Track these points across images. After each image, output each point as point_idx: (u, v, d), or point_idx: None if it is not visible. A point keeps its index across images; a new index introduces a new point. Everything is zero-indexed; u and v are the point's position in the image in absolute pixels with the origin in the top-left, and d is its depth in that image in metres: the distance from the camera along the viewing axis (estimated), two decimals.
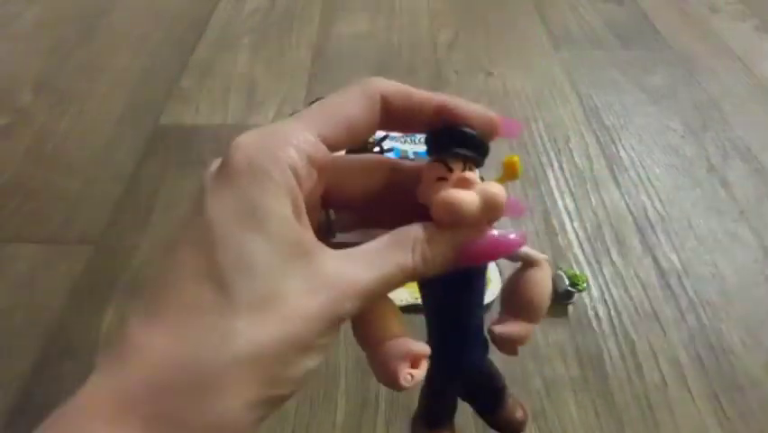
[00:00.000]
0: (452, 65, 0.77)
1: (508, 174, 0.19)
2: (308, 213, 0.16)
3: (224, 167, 0.15)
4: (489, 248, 0.18)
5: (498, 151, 0.20)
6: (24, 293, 0.48)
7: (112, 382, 0.13)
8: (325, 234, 0.20)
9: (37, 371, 0.42)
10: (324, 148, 0.16)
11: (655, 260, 0.51)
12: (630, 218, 0.55)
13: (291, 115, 0.71)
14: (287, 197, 0.15)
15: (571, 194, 0.57)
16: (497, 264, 0.48)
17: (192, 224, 0.15)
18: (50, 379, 0.42)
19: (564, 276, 0.46)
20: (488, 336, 0.21)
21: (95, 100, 0.70)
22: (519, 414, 0.27)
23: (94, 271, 0.49)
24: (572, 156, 0.62)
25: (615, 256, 0.51)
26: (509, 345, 0.21)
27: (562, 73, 0.75)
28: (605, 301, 0.48)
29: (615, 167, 0.61)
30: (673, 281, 0.49)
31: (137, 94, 0.71)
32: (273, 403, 0.15)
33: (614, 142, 0.64)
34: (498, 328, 0.21)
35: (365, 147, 0.50)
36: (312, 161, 0.16)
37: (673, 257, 0.52)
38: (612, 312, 0.47)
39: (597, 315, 0.47)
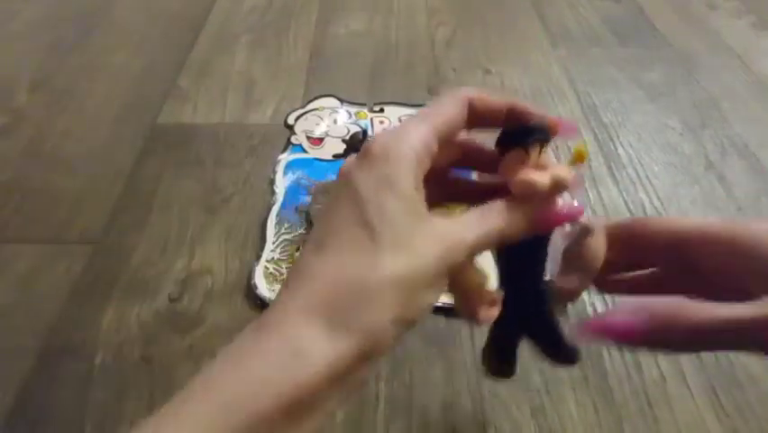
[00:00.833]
0: (450, 62, 0.77)
1: (577, 159, 0.24)
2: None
3: (364, 153, 0.21)
4: (557, 217, 0.24)
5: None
6: (23, 293, 0.48)
7: (298, 297, 0.19)
8: None
9: (37, 371, 0.42)
10: (434, 139, 0.22)
11: None
12: (628, 215, 0.55)
13: (290, 114, 0.70)
14: (410, 173, 0.20)
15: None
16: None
17: (344, 190, 0.21)
18: (50, 379, 0.42)
19: None
20: (547, 289, 0.27)
21: (93, 99, 0.70)
22: (574, 344, 0.29)
23: (93, 270, 0.49)
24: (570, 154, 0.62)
25: None
26: (567, 296, 0.27)
27: (559, 71, 0.76)
28: (603, 297, 0.48)
29: (613, 164, 0.61)
30: None
31: (135, 93, 0.71)
32: (407, 325, 0.20)
33: (612, 140, 0.64)
34: (560, 282, 0.26)
35: (364, 140, 0.50)
36: (427, 148, 0.21)
37: None
38: (611, 308, 0.47)
39: (596, 312, 0.47)
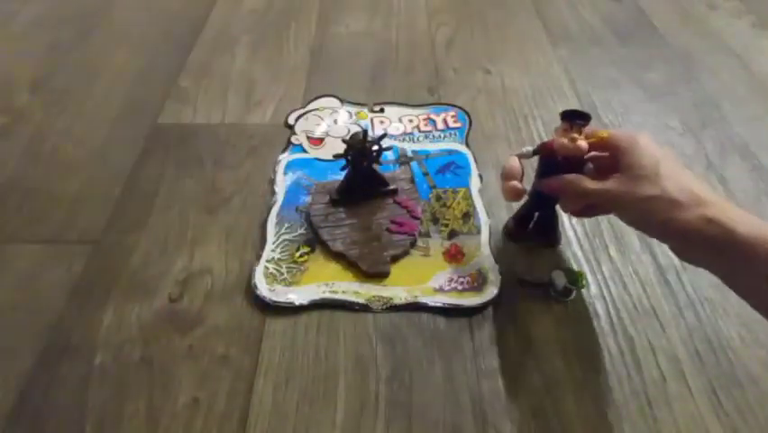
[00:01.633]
0: (451, 63, 0.77)
1: (599, 140, 0.42)
2: None
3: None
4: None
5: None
6: (23, 293, 0.48)
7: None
8: None
9: (37, 371, 0.42)
10: None
11: (654, 256, 0.51)
12: None
13: (290, 114, 0.70)
14: None
15: None
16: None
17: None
18: (50, 379, 0.42)
19: (563, 274, 0.46)
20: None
21: (93, 100, 0.70)
22: (557, 237, 0.52)
23: (93, 270, 0.49)
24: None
25: (613, 253, 0.52)
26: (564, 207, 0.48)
27: (560, 70, 0.76)
28: (603, 298, 0.48)
29: None
30: (672, 278, 0.50)
31: (135, 93, 0.71)
32: None
33: None
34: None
35: (363, 145, 0.50)
36: None
37: (671, 254, 0.51)
38: (611, 309, 0.47)
39: (596, 312, 0.47)
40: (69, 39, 0.80)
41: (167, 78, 0.72)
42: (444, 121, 0.66)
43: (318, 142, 0.62)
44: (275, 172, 0.58)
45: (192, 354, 0.43)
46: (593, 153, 0.43)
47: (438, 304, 0.46)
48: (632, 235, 0.53)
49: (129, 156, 0.61)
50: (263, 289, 0.47)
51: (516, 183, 0.45)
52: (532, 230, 0.52)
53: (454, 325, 0.46)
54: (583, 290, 0.48)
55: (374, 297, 0.47)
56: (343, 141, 0.50)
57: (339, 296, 0.47)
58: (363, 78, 0.73)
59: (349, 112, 0.67)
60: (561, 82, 0.73)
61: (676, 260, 0.51)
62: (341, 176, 0.53)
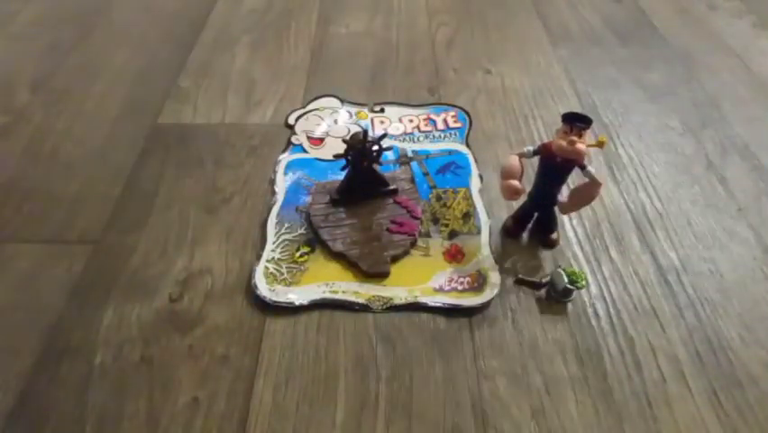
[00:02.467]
0: (451, 63, 0.77)
1: (598, 144, 0.42)
2: None
3: None
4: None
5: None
6: (24, 293, 0.48)
7: None
8: None
9: (37, 371, 0.42)
10: None
11: (654, 257, 0.51)
12: (629, 216, 0.55)
13: (290, 114, 0.70)
14: None
15: None
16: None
17: None
18: (50, 379, 0.42)
19: (563, 274, 0.46)
20: (556, 195, 0.48)
21: (93, 99, 0.70)
22: (555, 237, 0.52)
23: (93, 270, 0.49)
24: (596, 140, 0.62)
25: (614, 254, 0.52)
26: (562, 208, 0.48)
27: (560, 71, 0.76)
28: (604, 299, 0.48)
29: (613, 165, 0.61)
30: (672, 278, 0.50)
31: (135, 93, 0.71)
32: None
33: (612, 140, 0.64)
34: (561, 199, 0.48)
35: (364, 145, 0.50)
36: None
37: (672, 254, 0.52)
38: (611, 309, 0.47)
39: (596, 312, 0.47)
40: (70, 39, 0.80)
41: (167, 78, 0.72)
42: (445, 121, 0.66)
43: (318, 142, 0.62)
44: (275, 172, 0.58)
45: (192, 354, 0.43)
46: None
47: (438, 304, 0.46)
48: (632, 236, 0.53)
49: (129, 156, 0.61)
50: (263, 289, 0.47)
51: (515, 182, 0.45)
52: (531, 229, 0.52)
53: (454, 325, 0.46)
54: (583, 291, 0.48)
55: (374, 297, 0.47)
56: (344, 141, 0.50)
57: (339, 296, 0.47)
58: (363, 77, 0.73)
59: (349, 112, 0.67)
60: (561, 82, 0.73)
61: (676, 260, 0.51)
62: (341, 176, 0.53)
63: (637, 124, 0.67)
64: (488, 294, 0.47)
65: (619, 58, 0.78)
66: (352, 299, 0.47)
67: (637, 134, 0.65)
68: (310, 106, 0.68)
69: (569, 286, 0.46)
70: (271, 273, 0.48)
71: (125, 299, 0.47)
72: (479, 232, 0.52)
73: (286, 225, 0.53)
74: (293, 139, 0.63)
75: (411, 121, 0.65)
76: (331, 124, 0.65)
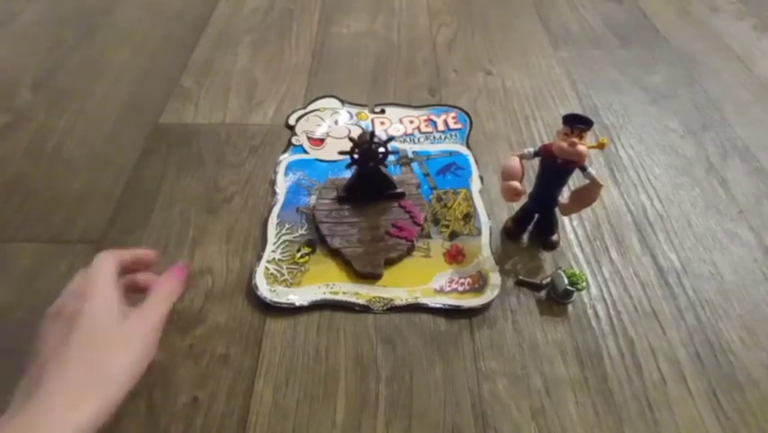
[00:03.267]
0: (452, 64, 0.77)
1: (598, 145, 0.42)
2: None
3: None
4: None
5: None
6: (25, 292, 0.48)
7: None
8: None
9: None
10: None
11: (654, 259, 0.51)
12: (629, 217, 0.55)
13: (291, 114, 0.70)
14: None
15: None
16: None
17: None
18: None
19: (564, 275, 0.46)
20: (557, 197, 0.48)
21: (94, 99, 0.70)
22: (555, 239, 0.52)
23: None
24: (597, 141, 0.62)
25: (614, 255, 0.52)
26: (563, 210, 0.48)
27: (561, 72, 0.76)
28: (604, 300, 0.48)
29: (614, 166, 0.61)
30: (672, 280, 0.50)
31: (137, 93, 0.71)
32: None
33: (613, 142, 0.64)
34: (562, 201, 0.47)
35: (369, 147, 0.50)
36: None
37: (672, 256, 0.52)
38: (611, 311, 0.47)
39: (596, 314, 0.47)
40: (72, 38, 0.81)
41: (169, 78, 0.73)
42: (445, 122, 0.66)
43: (319, 142, 0.62)
44: (276, 173, 0.58)
45: (192, 354, 0.43)
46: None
47: (438, 305, 0.46)
48: (633, 238, 0.53)
49: (130, 155, 0.61)
50: (264, 289, 0.47)
51: (515, 183, 0.45)
52: (531, 231, 0.52)
53: (454, 325, 0.46)
54: (584, 292, 0.48)
55: (375, 298, 0.47)
56: (350, 138, 0.50)
57: (340, 297, 0.47)
58: (364, 78, 0.73)
59: (350, 113, 0.67)
60: (562, 83, 0.73)
61: (677, 262, 0.51)
62: (349, 174, 0.54)
63: (638, 125, 0.67)
64: (488, 295, 0.47)
65: (620, 59, 0.78)
66: (353, 300, 0.47)
67: (638, 136, 0.65)
68: (311, 107, 0.68)
69: (569, 287, 0.46)
70: (272, 274, 0.48)
71: (125, 299, 0.47)
72: (479, 233, 0.52)
73: (287, 226, 0.53)
74: (293, 140, 0.63)
75: (411, 122, 0.65)
76: (331, 124, 0.65)
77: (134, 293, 0.36)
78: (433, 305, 0.46)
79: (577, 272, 0.47)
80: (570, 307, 0.47)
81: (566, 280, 0.46)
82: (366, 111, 0.67)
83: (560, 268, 0.48)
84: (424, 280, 0.48)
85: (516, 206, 0.51)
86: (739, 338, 0.45)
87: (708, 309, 0.47)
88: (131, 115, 0.67)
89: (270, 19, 0.86)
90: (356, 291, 0.47)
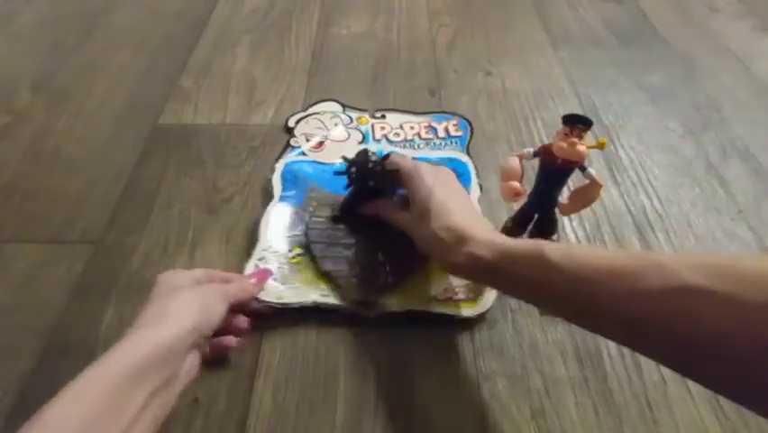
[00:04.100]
0: (452, 64, 0.77)
1: (598, 146, 0.42)
2: None
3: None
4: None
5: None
6: (24, 293, 0.48)
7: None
8: None
9: (37, 371, 0.42)
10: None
11: None
12: (629, 217, 0.55)
13: (290, 117, 0.70)
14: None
15: None
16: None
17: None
18: (50, 379, 0.42)
19: None
20: (556, 198, 0.47)
21: (94, 99, 0.70)
22: (555, 239, 0.51)
23: (94, 270, 0.49)
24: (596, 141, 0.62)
25: None
26: (562, 210, 0.47)
27: (561, 72, 0.76)
28: None
29: (614, 166, 0.61)
30: None
31: (136, 93, 0.71)
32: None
33: (613, 142, 0.65)
34: (561, 201, 0.47)
35: (366, 166, 0.48)
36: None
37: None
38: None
39: None
40: (71, 39, 0.81)
41: (168, 78, 0.73)
42: (446, 129, 0.64)
43: (318, 145, 0.62)
44: (272, 172, 0.58)
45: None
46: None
47: (435, 312, 0.45)
48: (633, 238, 0.53)
49: (130, 156, 0.61)
50: None
51: (515, 183, 0.45)
52: (531, 231, 0.52)
53: (455, 326, 0.46)
54: None
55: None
56: (344, 158, 0.49)
57: (330, 301, 0.46)
58: (364, 79, 0.73)
59: (350, 117, 0.66)
60: (561, 84, 0.73)
61: None
62: (344, 190, 0.51)
63: (638, 125, 0.67)
64: (484, 304, 0.46)
65: (620, 60, 0.79)
66: (345, 304, 0.45)
67: (638, 136, 0.66)
68: (311, 110, 0.67)
69: None
70: None
71: (126, 300, 0.47)
72: None
73: (281, 225, 0.52)
74: (292, 141, 0.62)
75: (412, 128, 0.65)
76: (331, 127, 0.65)
77: None
78: (428, 311, 0.45)
79: None
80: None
81: None
82: (366, 115, 0.67)
83: None
84: (421, 287, 0.47)
85: (516, 206, 0.51)
86: None
87: None
88: (130, 116, 0.67)
89: (270, 19, 0.86)
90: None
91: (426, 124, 0.65)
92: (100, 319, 0.45)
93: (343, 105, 0.68)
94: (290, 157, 0.60)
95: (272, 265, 0.48)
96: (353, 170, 0.48)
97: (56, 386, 0.30)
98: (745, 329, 0.24)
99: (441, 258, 0.41)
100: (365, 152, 0.49)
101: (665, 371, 0.43)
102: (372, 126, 0.65)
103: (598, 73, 0.76)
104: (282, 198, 0.55)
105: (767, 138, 0.65)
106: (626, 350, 0.44)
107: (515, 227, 0.52)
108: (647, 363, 0.43)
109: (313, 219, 0.52)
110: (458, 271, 0.41)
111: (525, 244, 0.36)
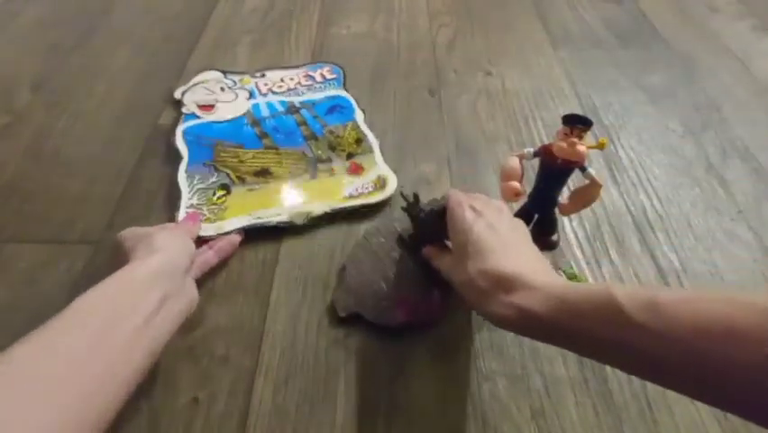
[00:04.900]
0: (452, 64, 0.77)
1: (598, 146, 0.41)
2: None
3: None
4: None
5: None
6: (24, 293, 0.48)
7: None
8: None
9: None
10: None
11: (654, 259, 0.51)
12: (629, 218, 0.55)
13: (175, 90, 0.70)
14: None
15: None
16: None
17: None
18: None
19: (564, 276, 0.46)
20: (557, 198, 0.48)
21: (94, 100, 0.70)
22: (555, 239, 0.52)
23: (94, 271, 0.49)
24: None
25: (614, 256, 0.52)
26: (562, 210, 0.47)
27: (561, 73, 0.76)
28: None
29: (614, 166, 0.61)
30: (672, 280, 0.50)
31: (136, 93, 0.71)
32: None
33: (613, 142, 0.65)
34: (561, 201, 0.47)
35: (417, 214, 0.45)
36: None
37: (672, 256, 0.52)
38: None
39: None
40: (71, 39, 0.81)
41: (168, 79, 0.72)
42: (322, 75, 0.73)
43: (209, 108, 0.67)
44: (173, 138, 0.62)
45: (192, 355, 0.43)
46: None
47: (351, 205, 0.54)
48: (633, 238, 0.53)
49: (130, 156, 0.61)
50: None
51: (515, 183, 0.45)
52: (531, 231, 0.52)
53: (455, 327, 0.46)
54: None
55: (296, 214, 0.53)
56: (403, 209, 0.47)
57: (264, 220, 0.52)
58: (364, 79, 0.73)
59: (233, 80, 0.72)
60: (561, 84, 0.73)
61: (677, 263, 0.51)
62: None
63: (638, 125, 0.67)
64: (389, 190, 0.56)
65: (620, 60, 0.79)
66: (277, 219, 0.52)
67: (638, 136, 0.66)
68: (193, 81, 0.71)
69: None
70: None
71: None
72: (371, 150, 0.61)
73: (197, 177, 0.57)
74: (183, 110, 0.66)
75: (292, 79, 0.72)
76: (217, 92, 0.69)
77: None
78: (347, 207, 0.53)
79: (577, 273, 0.47)
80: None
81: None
82: (248, 76, 0.72)
83: (559, 268, 0.48)
84: (335, 193, 0.56)
85: (516, 206, 0.51)
86: None
87: None
88: (130, 117, 0.67)
89: (270, 20, 0.86)
90: (277, 213, 0.53)
91: (304, 74, 0.73)
92: None
93: (224, 72, 0.73)
94: (188, 123, 0.64)
95: (204, 210, 0.54)
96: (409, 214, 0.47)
97: None
98: None
99: (477, 308, 0.35)
100: (416, 198, 0.45)
101: None
102: (256, 84, 0.71)
103: (598, 73, 0.76)
104: (191, 156, 0.59)
105: (767, 138, 0.65)
106: None
107: None
108: None
109: (375, 227, 0.52)
110: (505, 325, 0.33)
111: (588, 290, 0.29)
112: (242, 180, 0.57)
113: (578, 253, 0.52)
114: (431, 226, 0.44)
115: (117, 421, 0.39)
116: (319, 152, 0.60)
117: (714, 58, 0.79)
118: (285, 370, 0.43)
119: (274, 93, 0.69)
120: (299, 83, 0.71)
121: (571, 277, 0.46)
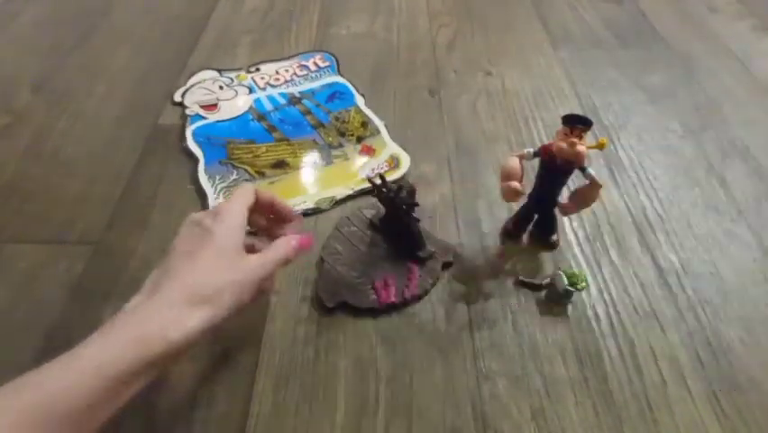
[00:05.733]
0: (452, 65, 0.77)
1: (598, 146, 0.41)
2: None
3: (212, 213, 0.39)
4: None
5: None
6: (24, 293, 0.48)
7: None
8: None
9: None
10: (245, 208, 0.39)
11: (654, 259, 0.51)
12: (629, 218, 0.55)
13: (174, 93, 0.70)
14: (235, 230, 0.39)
15: None
16: None
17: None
18: None
19: (564, 276, 0.46)
20: (556, 198, 0.48)
21: (94, 100, 0.70)
22: (555, 239, 0.52)
23: (93, 271, 0.49)
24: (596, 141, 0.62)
25: (614, 256, 0.52)
26: (562, 210, 0.48)
27: (561, 73, 0.76)
28: (604, 301, 0.48)
29: (614, 167, 0.61)
30: (672, 281, 0.50)
31: (136, 94, 0.71)
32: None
33: (613, 142, 0.64)
34: (561, 201, 0.48)
35: (386, 195, 0.46)
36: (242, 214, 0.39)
37: (672, 257, 0.52)
38: (611, 312, 0.47)
39: (596, 314, 0.47)
40: (70, 40, 0.81)
41: (168, 79, 0.73)
42: (315, 63, 0.75)
43: (213, 107, 0.67)
44: (184, 141, 0.62)
45: (192, 354, 0.43)
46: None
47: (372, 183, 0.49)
48: (633, 238, 0.53)
49: (130, 157, 0.61)
50: None
51: (515, 184, 0.45)
52: (531, 231, 0.52)
53: (454, 326, 0.46)
54: (583, 293, 0.48)
55: (321, 200, 0.55)
56: (369, 180, 0.47)
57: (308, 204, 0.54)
58: (364, 79, 0.73)
59: (229, 78, 0.72)
60: (561, 84, 0.73)
61: (677, 263, 0.51)
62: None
63: (638, 125, 0.67)
64: (404, 168, 0.59)
65: (620, 60, 0.79)
66: (303, 207, 0.54)
67: (638, 136, 0.66)
68: (190, 82, 0.72)
69: (569, 288, 0.46)
70: None
71: (125, 300, 0.46)
72: (379, 132, 0.64)
73: (218, 177, 0.57)
74: (187, 112, 0.66)
75: (287, 71, 0.74)
76: (216, 91, 0.70)
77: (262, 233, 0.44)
78: (369, 185, 0.49)
79: (577, 272, 0.47)
80: (570, 307, 0.47)
81: (566, 281, 0.46)
82: (243, 72, 0.73)
83: (559, 269, 0.48)
84: (353, 175, 0.58)
85: (516, 206, 0.51)
86: (739, 339, 0.45)
87: (708, 310, 0.47)
88: (130, 117, 0.67)
89: (270, 20, 0.86)
90: (303, 200, 0.55)
91: (297, 64, 0.75)
92: (100, 319, 0.45)
93: (219, 70, 0.74)
94: (195, 125, 0.64)
95: None
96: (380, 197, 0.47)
97: None
98: None
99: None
100: (382, 179, 0.46)
101: (665, 371, 0.43)
102: (253, 79, 0.72)
103: (598, 73, 0.76)
104: (206, 156, 0.60)
105: (767, 138, 0.65)
106: (625, 350, 0.44)
107: (515, 228, 0.52)
108: (647, 364, 0.43)
109: (348, 218, 0.53)
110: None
111: None
112: (261, 174, 0.58)
113: (578, 253, 0.52)
114: (405, 202, 0.46)
115: (116, 422, 0.39)
116: (330, 138, 0.63)
117: (714, 58, 0.79)
118: (285, 370, 0.43)
119: (272, 86, 0.71)
120: (295, 73, 0.73)
121: (572, 276, 0.46)
